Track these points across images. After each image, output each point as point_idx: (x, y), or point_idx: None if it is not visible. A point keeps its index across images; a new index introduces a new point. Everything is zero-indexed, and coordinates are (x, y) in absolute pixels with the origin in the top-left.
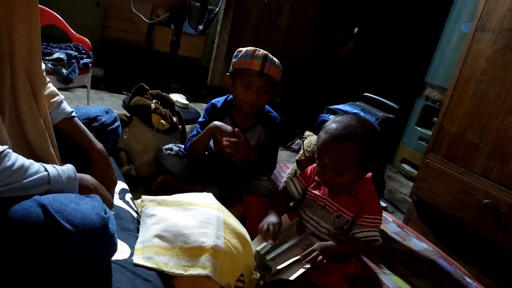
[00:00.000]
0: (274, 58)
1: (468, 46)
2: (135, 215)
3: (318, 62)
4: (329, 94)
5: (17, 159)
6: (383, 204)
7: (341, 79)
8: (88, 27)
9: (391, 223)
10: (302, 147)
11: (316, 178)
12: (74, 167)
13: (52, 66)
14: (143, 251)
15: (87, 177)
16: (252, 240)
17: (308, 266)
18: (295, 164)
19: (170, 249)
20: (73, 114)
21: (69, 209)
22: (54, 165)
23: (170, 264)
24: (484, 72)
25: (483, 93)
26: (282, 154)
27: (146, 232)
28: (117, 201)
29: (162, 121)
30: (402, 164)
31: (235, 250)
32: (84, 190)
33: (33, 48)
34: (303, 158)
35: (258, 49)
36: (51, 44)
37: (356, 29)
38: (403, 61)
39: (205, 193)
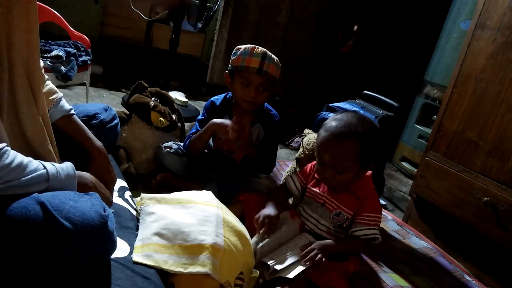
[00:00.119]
0: (273, 56)
1: (468, 44)
2: (134, 213)
3: (317, 60)
4: (329, 92)
5: (15, 156)
6: (382, 202)
7: (340, 77)
8: (86, 25)
9: (390, 221)
10: (301, 145)
11: (316, 175)
12: (73, 165)
13: (50, 64)
14: (142, 249)
15: (86, 174)
16: (251, 238)
17: (307, 264)
18: (295, 162)
19: (169, 247)
20: (72, 111)
21: (68, 207)
22: (53, 163)
23: (170, 262)
24: (483, 70)
25: (483, 91)
26: (282, 152)
27: (146, 230)
28: (116, 199)
29: (161, 118)
30: (402, 162)
31: (235, 248)
32: (83, 188)
33: (32, 46)
34: (302, 156)
35: (257, 46)
36: (50, 41)
37: (355, 27)
38: (402, 59)
39: (204, 191)
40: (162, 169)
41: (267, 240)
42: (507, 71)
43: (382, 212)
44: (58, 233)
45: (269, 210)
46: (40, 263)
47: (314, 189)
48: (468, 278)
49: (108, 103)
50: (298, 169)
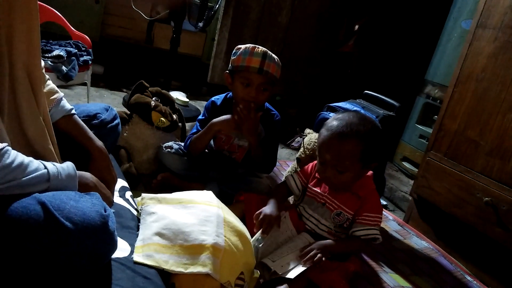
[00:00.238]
0: (273, 55)
1: (469, 43)
2: (135, 213)
3: (318, 59)
4: (330, 91)
5: (16, 156)
6: (383, 202)
7: (341, 76)
8: (87, 24)
9: (391, 221)
10: (302, 145)
11: (316, 175)
12: (73, 165)
13: (51, 64)
14: (143, 249)
15: (87, 174)
16: (252, 238)
17: (307, 265)
18: (295, 162)
19: (170, 247)
20: (73, 111)
21: (68, 207)
22: (53, 163)
23: (170, 262)
24: (484, 69)
25: (484, 91)
26: (282, 152)
27: (146, 230)
28: (117, 199)
29: (162, 118)
30: (403, 162)
31: (235, 248)
32: (84, 187)
33: (33, 45)
34: (303, 156)
35: (257, 46)
36: (51, 41)
37: (356, 27)
38: (403, 58)
39: (205, 191)
40: (163, 169)
41: (265, 239)
42: (508, 70)
43: (383, 212)
44: (59, 233)
45: (270, 210)
46: (41, 263)
47: (315, 189)
48: (469, 278)
49: (109, 103)
50: (298, 169)
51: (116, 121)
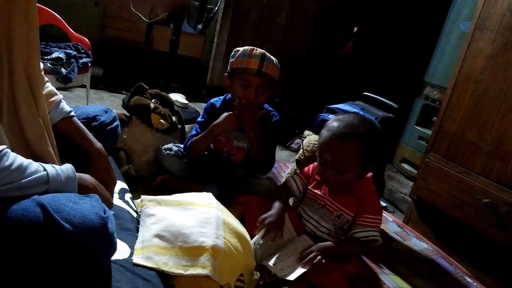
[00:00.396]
0: (271, 57)
1: (468, 45)
2: (134, 214)
3: (317, 61)
4: (329, 93)
5: (15, 158)
6: (383, 203)
7: (340, 78)
8: (87, 27)
9: (391, 223)
10: (301, 146)
11: (317, 177)
12: (73, 167)
13: (51, 66)
14: (142, 250)
15: (86, 176)
16: (251, 239)
17: (307, 266)
18: (295, 163)
19: (169, 249)
20: (72, 113)
21: (68, 209)
22: (53, 165)
23: (170, 264)
24: (483, 71)
25: (483, 92)
26: (282, 154)
27: (146, 232)
28: (116, 200)
29: (162, 120)
30: (402, 164)
31: (235, 249)
32: (84, 189)
33: (32, 47)
34: (302, 157)
35: (255, 48)
36: (50, 43)
37: (355, 28)
38: (402, 60)
39: (204, 192)
40: (163, 171)
41: (264, 241)
42: (506, 72)
43: (383, 213)
44: (58, 235)
45: (274, 216)
46: (40, 265)
47: (315, 190)
48: (468, 279)
49: (108, 105)
50: (298, 171)
51: (115, 123)
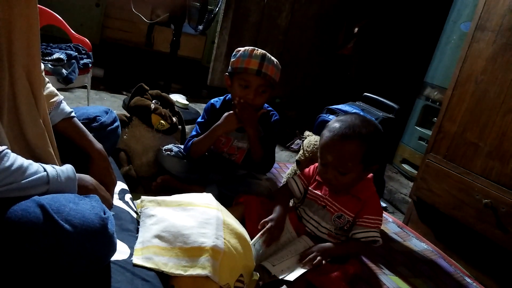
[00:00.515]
0: (272, 58)
1: (468, 45)
2: (134, 215)
3: (318, 62)
4: (329, 94)
5: (16, 159)
6: (383, 204)
7: (341, 79)
8: (88, 27)
9: (391, 223)
10: (301, 147)
11: (317, 178)
12: (73, 167)
13: (52, 67)
14: (142, 251)
15: (86, 177)
16: (251, 240)
17: (307, 267)
18: (295, 164)
19: (169, 250)
20: (73, 114)
21: (68, 209)
22: (53, 166)
23: (170, 265)
24: (483, 71)
25: (483, 93)
26: (282, 155)
27: (146, 233)
28: (116, 201)
29: (162, 121)
30: (402, 164)
31: (235, 250)
32: (84, 190)
33: (33, 48)
34: (302, 158)
35: (256, 48)
36: (51, 44)
37: (356, 29)
38: (403, 61)
39: (204, 193)
40: (163, 171)
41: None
42: (507, 72)
43: (383, 214)
44: (58, 236)
45: (276, 220)
46: (40, 265)
47: (316, 191)
48: (468, 280)
49: (109, 105)
50: (298, 172)
51: (115, 124)
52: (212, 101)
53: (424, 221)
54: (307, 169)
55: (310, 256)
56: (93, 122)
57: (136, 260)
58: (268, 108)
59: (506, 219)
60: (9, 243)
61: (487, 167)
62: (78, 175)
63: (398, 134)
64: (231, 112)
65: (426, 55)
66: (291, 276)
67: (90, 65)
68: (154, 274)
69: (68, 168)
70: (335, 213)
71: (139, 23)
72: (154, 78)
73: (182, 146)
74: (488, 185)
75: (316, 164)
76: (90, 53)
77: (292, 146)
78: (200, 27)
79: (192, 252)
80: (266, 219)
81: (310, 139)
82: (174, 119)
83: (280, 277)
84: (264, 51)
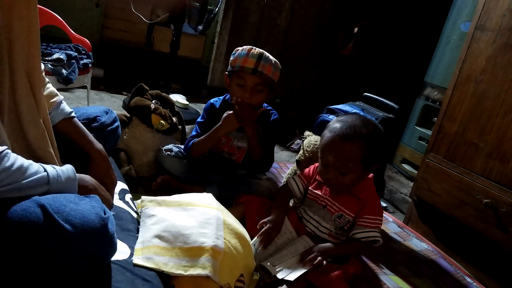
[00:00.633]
0: (270, 57)
1: (468, 45)
2: (135, 215)
3: (318, 62)
4: (329, 94)
5: (16, 159)
6: (383, 204)
7: (340, 79)
8: (88, 28)
9: (391, 223)
10: (302, 147)
11: (317, 177)
12: (73, 168)
13: (52, 67)
14: (142, 251)
15: (86, 177)
16: (252, 240)
17: (307, 267)
18: (295, 164)
19: (170, 250)
20: (73, 114)
21: (68, 209)
22: (53, 166)
23: (170, 265)
24: (483, 71)
25: (483, 93)
26: (282, 155)
27: (146, 233)
28: (117, 201)
29: (162, 121)
30: (402, 164)
31: (235, 250)
32: (84, 190)
33: (33, 49)
34: (303, 158)
35: (254, 47)
36: (51, 44)
37: (356, 29)
38: (402, 60)
39: (204, 193)
40: (163, 171)
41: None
42: (507, 72)
43: (383, 214)
44: (58, 236)
45: (274, 222)
46: (41, 265)
47: (316, 191)
48: (469, 280)
49: (109, 106)
50: (298, 172)
51: (115, 124)
52: (211, 101)
53: (424, 221)
54: (307, 169)
55: (310, 256)
56: (93, 122)
57: (137, 260)
58: (268, 108)
59: (506, 219)
60: (10, 243)
61: (487, 167)
62: (78, 175)
63: (398, 134)
64: (231, 112)
65: (426, 55)
66: (291, 276)
67: (90, 65)
68: (155, 274)
69: (68, 168)
70: (336, 213)
71: (139, 23)
72: (154, 78)
73: (182, 146)
74: (488, 185)
75: (316, 164)
76: (90, 53)
77: (292, 146)
78: (200, 27)
79: (192, 252)
80: (265, 220)
81: (310, 139)
82: (174, 119)
83: (280, 277)
84: (262, 51)
